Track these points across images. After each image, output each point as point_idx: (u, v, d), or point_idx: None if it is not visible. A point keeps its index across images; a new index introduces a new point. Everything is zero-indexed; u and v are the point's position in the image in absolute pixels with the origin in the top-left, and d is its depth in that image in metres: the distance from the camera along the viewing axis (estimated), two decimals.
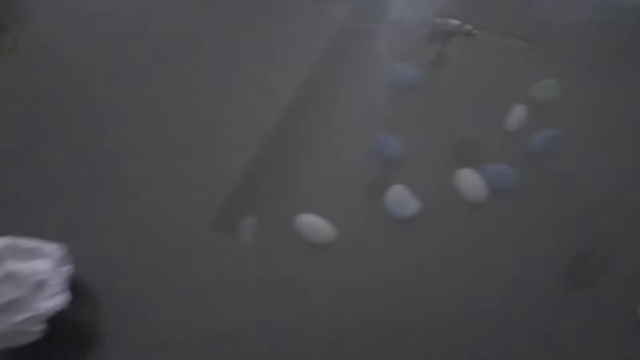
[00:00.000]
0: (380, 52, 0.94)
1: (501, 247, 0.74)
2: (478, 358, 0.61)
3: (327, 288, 0.66)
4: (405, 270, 0.71)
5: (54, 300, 0.54)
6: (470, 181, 0.79)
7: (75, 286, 0.61)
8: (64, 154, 0.77)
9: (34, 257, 0.54)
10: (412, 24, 0.96)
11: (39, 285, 0.53)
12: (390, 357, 0.60)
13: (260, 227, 0.75)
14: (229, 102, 0.84)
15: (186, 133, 0.80)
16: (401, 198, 0.77)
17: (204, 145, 0.78)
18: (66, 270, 0.56)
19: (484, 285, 0.70)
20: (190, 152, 0.77)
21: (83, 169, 0.75)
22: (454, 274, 0.71)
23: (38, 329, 0.52)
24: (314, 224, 0.75)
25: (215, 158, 0.77)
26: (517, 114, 0.86)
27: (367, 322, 0.62)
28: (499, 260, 0.73)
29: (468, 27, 0.88)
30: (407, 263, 0.72)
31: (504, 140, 0.85)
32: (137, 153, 0.77)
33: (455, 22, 0.89)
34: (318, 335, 0.61)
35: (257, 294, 0.65)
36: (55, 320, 0.55)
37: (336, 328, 0.61)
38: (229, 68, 0.88)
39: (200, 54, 0.90)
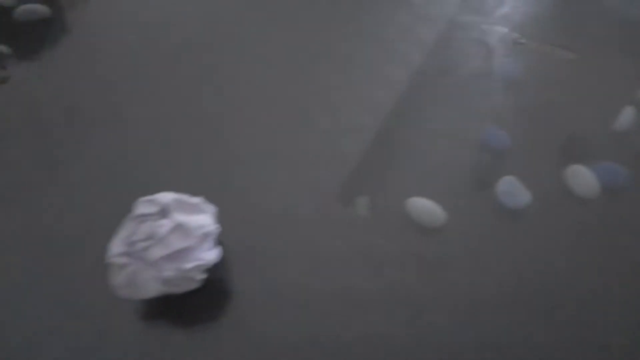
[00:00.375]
0: (488, 45, 0.96)
1: (611, 245, 0.75)
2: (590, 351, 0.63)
3: (446, 265, 0.69)
4: (519, 258, 0.73)
5: (213, 253, 0.58)
6: (581, 177, 0.80)
7: (219, 244, 0.66)
8: (186, 127, 0.82)
9: (197, 212, 0.59)
10: (521, 19, 0.97)
11: (204, 238, 0.57)
12: (513, 333, 0.63)
13: (374, 206, 0.79)
14: (346, 89, 0.87)
15: (307, 115, 0.84)
16: (512, 189, 0.79)
17: (325, 127, 0.82)
18: (217, 227, 0.61)
19: (591, 283, 0.72)
20: (312, 133, 0.81)
21: (213, 143, 0.80)
22: (563, 267, 0.73)
23: (200, 277, 0.57)
24: (425, 207, 0.78)
25: (334, 140, 0.81)
26: (626, 115, 0.87)
27: (492, 301, 0.65)
28: (609, 257, 0.74)
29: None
30: (517, 251, 0.74)
31: (612, 139, 0.86)
32: (262, 133, 0.82)
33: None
34: (446, 308, 0.64)
35: (380, 264, 0.68)
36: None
37: (464, 304, 0.64)
38: (344, 57, 0.92)
39: (318, 44, 0.94)
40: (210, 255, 0.58)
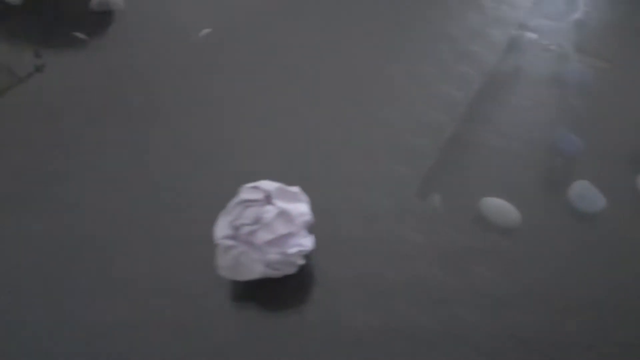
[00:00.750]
0: (560, 49, 0.97)
1: None
2: None
3: (525, 264, 0.70)
4: (594, 260, 0.74)
5: (309, 240, 0.61)
6: None
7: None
8: (269, 119, 0.86)
9: (296, 200, 0.62)
10: (595, 24, 0.98)
11: (304, 225, 0.60)
12: (599, 334, 0.65)
13: (450, 203, 0.81)
14: (420, 87, 0.90)
15: (382, 111, 0.86)
16: (586, 193, 0.80)
17: (400, 123, 0.85)
18: (313, 216, 0.64)
19: None
20: (388, 129, 0.84)
21: (294, 136, 0.83)
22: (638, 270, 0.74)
23: (300, 262, 0.60)
24: (500, 207, 0.80)
25: (410, 136, 0.83)
26: None
27: (582, 301, 0.67)
28: None
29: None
30: (592, 253, 0.75)
31: None
32: (340, 128, 0.84)
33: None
34: (529, 306, 0.66)
35: (459, 260, 0.70)
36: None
37: (548, 302, 0.66)
38: (415, 56, 0.94)
39: (387, 42, 0.97)
40: (308, 242, 0.61)
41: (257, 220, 0.58)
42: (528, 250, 0.74)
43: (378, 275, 0.69)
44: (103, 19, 1.05)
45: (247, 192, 0.60)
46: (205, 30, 1.00)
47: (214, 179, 0.77)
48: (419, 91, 0.89)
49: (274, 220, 0.58)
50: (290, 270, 0.60)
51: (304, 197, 0.63)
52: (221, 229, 0.60)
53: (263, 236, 0.57)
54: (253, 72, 0.93)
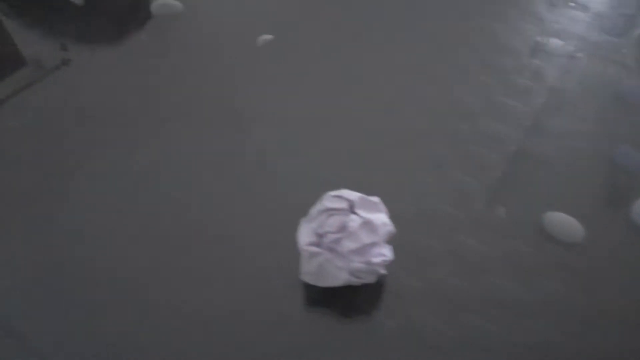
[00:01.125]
0: (621, 66, 0.97)
1: None
2: None
3: (593, 280, 0.71)
4: None
5: (389, 250, 0.62)
6: None
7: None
8: (334, 126, 0.87)
9: (377, 211, 0.63)
10: None
11: (387, 235, 0.61)
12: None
13: (516, 216, 0.81)
14: (481, 98, 0.90)
15: (448, 123, 0.87)
16: None
17: (464, 134, 0.86)
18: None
19: None
20: (454, 141, 0.85)
21: (364, 145, 0.84)
22: None
23: (382, 272, 0.61)
24: (564, 222, 0.80)
25: (475, 148, 0.84)
26: None
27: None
28: None
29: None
30: None
31: None
32: (403, 137, 0.85)
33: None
34: (610, 326, 0.67)
35: (529, 274, 0.71)
36: None
37: (626, 319, 0.67)
38: (480, 68, 0.95)
39: (448, 53, 0.97)
40: (389, 252, 0.62)
41: (341, 229, 0.59)
42: (594, 266, 0.74)
43: (450, 286, 0.70)
44: (161, 22, 1.08)
45: (330, 200, 0.61)
46: (265, 37, 1.02)
47: (284, 186, 0.79)
48: (482, 103, 0.90)
49: (358, 229, 0.59)
50: (372, 279, 0.61)
51: (383, 207, 0.64)
52: (305, 235, 0.61)
53: (348, 245, 0.59)
54: (318, 82, 0.94)
